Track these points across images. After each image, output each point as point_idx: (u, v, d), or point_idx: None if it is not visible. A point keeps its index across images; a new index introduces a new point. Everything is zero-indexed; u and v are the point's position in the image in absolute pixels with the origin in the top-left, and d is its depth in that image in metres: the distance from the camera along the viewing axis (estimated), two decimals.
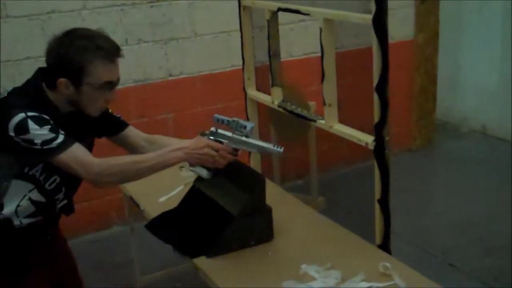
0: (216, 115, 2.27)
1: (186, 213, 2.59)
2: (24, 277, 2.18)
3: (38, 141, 1.99)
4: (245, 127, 2.22)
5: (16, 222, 2.13)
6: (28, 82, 2.16)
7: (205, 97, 4.31)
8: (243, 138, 2.23)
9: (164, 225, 2.56)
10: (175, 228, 2.53)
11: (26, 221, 2.15)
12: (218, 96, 4.33)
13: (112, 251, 3.85)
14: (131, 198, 2.91)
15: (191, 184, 2.65)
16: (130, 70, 4.04)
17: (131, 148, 2.41)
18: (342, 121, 2.65)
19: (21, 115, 1.99)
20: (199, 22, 4.21)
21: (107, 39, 2.14)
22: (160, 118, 4.20)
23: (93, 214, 4.11)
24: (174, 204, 2.65)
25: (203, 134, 2.26)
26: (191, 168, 2.26)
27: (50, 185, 2.15)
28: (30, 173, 2.11)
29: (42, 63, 2.16)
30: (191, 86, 4.26)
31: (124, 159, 2.16)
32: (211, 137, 2.23)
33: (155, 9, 4.07)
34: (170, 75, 4.19)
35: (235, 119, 2.25)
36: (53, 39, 2.10)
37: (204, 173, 2.25)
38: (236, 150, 2.24)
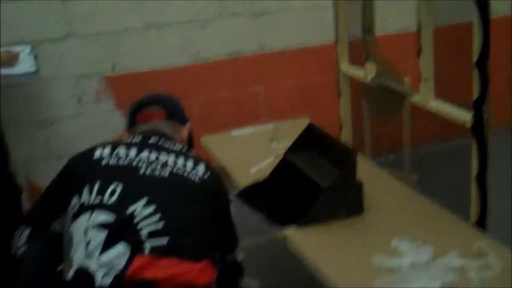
0: None
1: (276, 184, 2.61)
2: None
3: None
4: None
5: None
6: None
7: (297, 72, 4.30)
8: None
9: (255, 195, 2.59)
10: (265, 198, 2.56)
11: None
12: (310, 70, 4.31)
13: None
14: (223, 168, 2.96)
15: (281, 156, 2.66)
16: (223, 43, 4.08)
17: None
18: (438, 97, 2.59)
19: None
20: None
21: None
22: (252, 91, 4.23)
23: None
24: (264, 175, 2.67)
25: None
26: None
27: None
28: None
29: None
30: (282, 60, 4.25)
31: None
32: None
33: None
34: (262, 49, 4.20)
35: None
36: None
37: None
38: None
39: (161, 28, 3.96)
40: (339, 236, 2.27)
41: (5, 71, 3.38)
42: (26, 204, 3.67)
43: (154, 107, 2.26)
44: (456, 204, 2.43)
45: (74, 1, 3.74)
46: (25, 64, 3.45)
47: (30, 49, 3.50)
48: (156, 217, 1.79)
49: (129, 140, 2.09)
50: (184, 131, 2.34)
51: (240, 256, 2.13)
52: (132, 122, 2.28)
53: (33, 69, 3.46)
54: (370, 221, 2.34)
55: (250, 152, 3.03)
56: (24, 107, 3.74)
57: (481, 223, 2.33)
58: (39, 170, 3.79)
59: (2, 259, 2.05)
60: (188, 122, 2.39)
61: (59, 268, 1.83)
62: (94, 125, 3.91)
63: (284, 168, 2.62)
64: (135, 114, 2.28)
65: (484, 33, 2.22)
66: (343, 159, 2.39)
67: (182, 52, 4.03)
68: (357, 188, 2.38)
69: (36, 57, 3.49)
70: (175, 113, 2.31)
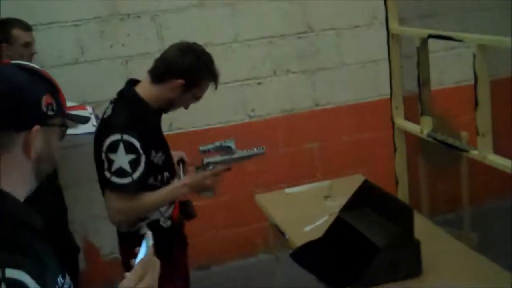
0: (201, 147, 2.49)
1: (331, 243, 2.56)
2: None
3: (114, 167, 2.29)
4: (229, 147, 2.48)
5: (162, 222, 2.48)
6: (123, 91, 2.49)
7: (351, 127, 4.28)
8: (233, 156, 2.49)
9: (309, 255, 2.55)
10: (320, 258, 2.51)
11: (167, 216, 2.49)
12: (364, 126, 4.28)
13: (257, 278, 3.88)
14: (276, 227, 2.94)
15: (336, 215, 2.62)
16: (278, 100, 4.11)
17: None
18: (496, 151, 2.52)
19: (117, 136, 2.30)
20: (347, 51, 4.21)
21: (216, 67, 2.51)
22: (306, 148, 4.22)
23: (239, 241, 4.18)
24: (319, 233, 2.64)
25: (198, 168, 2.48)
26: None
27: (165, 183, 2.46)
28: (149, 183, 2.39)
29: None
30: (337, 116, 4.25)
31: (138, 204, 2.38)
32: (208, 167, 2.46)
33: (303, 40, 4.12)
34: (317, 105, 4.20)
35: (217, 143, 2.50)
36: (179, 48, 2.44)
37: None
38: (229, 168, 2.48)
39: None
40: None
41: (70, 131, 3.48)
42: (82, 263, 3.72)
43: None
44: None
45: (133, 64, 3.83)
46: (87, 124, 3.55)
47: (92, 109, 3.60)
48: None
49: None
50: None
51: None
52: None
53: (94, 129, 3.55)
54: (428, 283, 2.27)
55: (304, 210, 3.01)
56: (83, 167, 3.82)
57: None
58: (96, 231, 3.85)
59: None
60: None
61: None
62: None
63: (339, 226, 2.58)
64: None
65: None
66: (399, 216, 2.34)
67: (238, 110, 4.08)
68: (415, 247, 2.31)
69: (97, 118, 3.59)
70: None
